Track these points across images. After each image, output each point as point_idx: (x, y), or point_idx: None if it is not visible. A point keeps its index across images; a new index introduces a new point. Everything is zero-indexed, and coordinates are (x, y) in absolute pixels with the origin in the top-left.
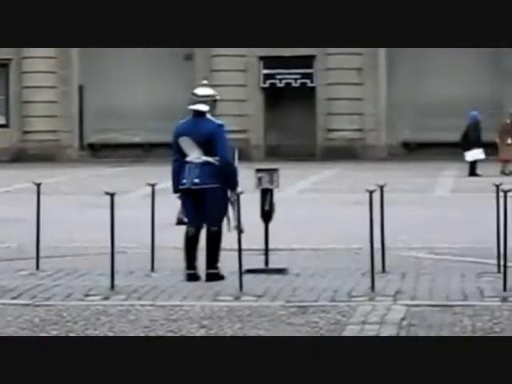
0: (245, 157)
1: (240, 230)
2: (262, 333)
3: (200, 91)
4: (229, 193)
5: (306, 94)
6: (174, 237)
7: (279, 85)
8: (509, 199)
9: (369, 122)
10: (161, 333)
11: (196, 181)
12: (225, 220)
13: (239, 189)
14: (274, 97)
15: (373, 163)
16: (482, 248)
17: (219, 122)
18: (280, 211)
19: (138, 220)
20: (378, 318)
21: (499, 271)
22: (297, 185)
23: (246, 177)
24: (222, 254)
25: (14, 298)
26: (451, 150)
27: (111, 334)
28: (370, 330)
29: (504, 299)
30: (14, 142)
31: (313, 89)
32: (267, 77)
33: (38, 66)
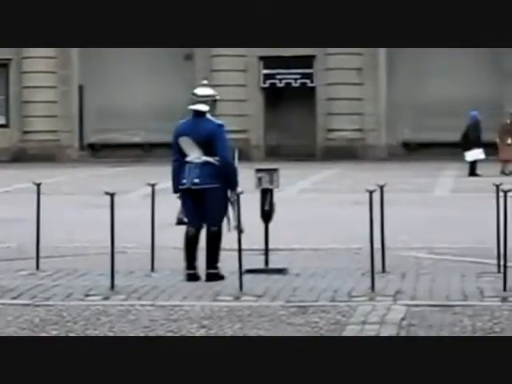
0: (245, 157)
1: (240, 230)
2: (262, 333)
3: (200, 91)
4: (229, 193)
5: (306, 94)
6: (174, 237)
7: (279, 85)
8: (509, 199)
9: (369, 121)
10: (161, 333)
11: (196, 181)
12: (225, 220)
13: (239, 189)
14: (274, 97)
15: (373, 163)
16: (482, 248)
17: (219, 122)
18: (280, 211)
19: (138, 220)
20: (378, 318)
21: (499, 271)
22: (297, 185)
23: (246, 177)
24: (222, 254)
25: (14, 298)
26: (451, 150)
27: (111, 334)
28: (370, 330)
29: (504, 299)
30: (14, 142)
31: (313, 89)
32: (267, 77)
33: (38, 66)
